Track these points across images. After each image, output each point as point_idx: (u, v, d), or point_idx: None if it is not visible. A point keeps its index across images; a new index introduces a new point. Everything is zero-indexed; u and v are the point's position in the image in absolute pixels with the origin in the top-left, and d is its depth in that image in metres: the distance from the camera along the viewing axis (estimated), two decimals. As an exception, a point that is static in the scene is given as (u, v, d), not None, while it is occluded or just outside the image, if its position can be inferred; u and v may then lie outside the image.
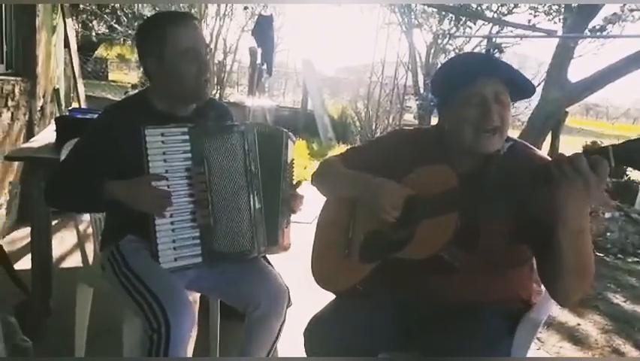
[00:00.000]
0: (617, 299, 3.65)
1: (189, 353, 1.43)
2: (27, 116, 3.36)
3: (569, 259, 1.13)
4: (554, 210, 1.09)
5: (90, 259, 1.82)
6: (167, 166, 1.41)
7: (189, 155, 1.43)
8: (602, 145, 1.07)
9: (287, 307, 1.55)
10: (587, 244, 1.13)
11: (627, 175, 7.53)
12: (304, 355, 1.40)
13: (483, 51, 9.12)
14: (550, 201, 1.08)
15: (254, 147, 1.50)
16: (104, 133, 1.50)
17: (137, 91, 1.71)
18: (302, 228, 2.02)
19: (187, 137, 1.43)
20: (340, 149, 8.01)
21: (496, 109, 1.19)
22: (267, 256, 1.82)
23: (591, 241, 1.17)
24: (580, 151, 1.05)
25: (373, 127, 9.85)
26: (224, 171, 1.47)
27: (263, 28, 6.84)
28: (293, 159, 1.62)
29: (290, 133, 1.61)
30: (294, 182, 1.61)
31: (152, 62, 1.50)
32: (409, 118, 11.75)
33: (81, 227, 1.87)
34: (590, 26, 7.56)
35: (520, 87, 1.24)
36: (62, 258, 2.85)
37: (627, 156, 0.99)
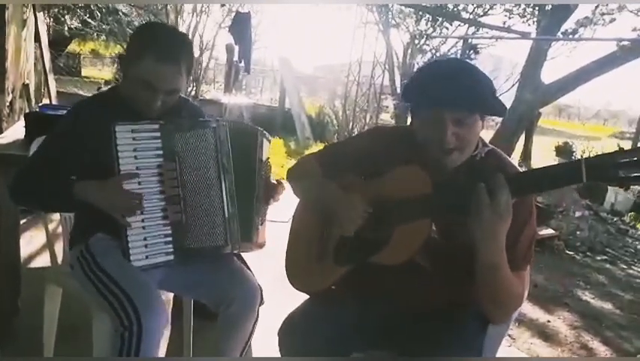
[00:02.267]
0: (586, 296, 3.74)
1: (162, 354, 1.41)
2: (-5, 112, 3.27)
3: (481, 288, 1.16)
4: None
5: (59, 259, 1.78)
6: (138, 163, 1.39)
7: (160, 151, 1.42)
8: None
9: (259, 306, 1.54)
10: (500, 281, 1.13)
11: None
12: (279, 355, 1.39)
13: (459, 52, 9.23)
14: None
15: (226, 143, 1.49)
16: (74, 129, 1.47)
17: (107, 87, 1.68)
18: (278, 226, 2.02)
19: (158, 133, 1.42)
20: (317, 147, 8.01)
21: (454, 131, 1.17)
22: (243, 255, 1.82)
23: (516, 280, 1.17)
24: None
25: (350, 126, 9.88)
26: (195, 167, 1.46)
27: (240, 26, 6.80)
28: (268, 158, 1.62)
29: (265, 132, 1.61)
30: (271, 176, 1.62)
31: (124, 64, 1.50)
32: (386, 117, 11.83)
33: (50, 226, 1.82)
34: (562, 29, 7.73)
35: (489, 108, 1.21)
36: (31, 257, 2.78)
37: (600, 171, 0.97)
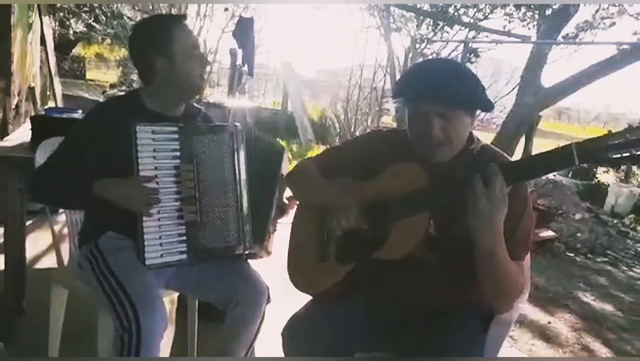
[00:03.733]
0: (587, 298, 3.75)
1: (166, 354, 1.43)
2: (1, 115, 3.30)
3: (480, 277, 1.18)
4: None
5: (65, 260, 1.80)
6: (157, 163, 1.44)
7: (178, 153, 1.46)
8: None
9: (266, 304, 1.57)
10: (499, 269, 1.14)
11: (597, 178, 7.74)
12: (283, 355, 1.40)
13: (460, 55, 9.24)
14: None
15: (243, 148, 1.53)
16: (95, 129, 1.50)
17: (118, 91, 1.74)
18: (283, 228, 2.03)
19: (177, 135, 1.47)
20: (320, 150, 8.03)
21: (440, 124, 1.21)
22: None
23: (517, 267, 1.18)
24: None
25: (352, 129, 9.89)
26: (212, 169, 1.50)
27: (244, 30, 6.81)
28: None
29: (287, 151, 1.68)
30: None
31: (162, 61, 1.51)
32: (388, 120, 11.84)
33: (56, 228, 1.85)
34: (563, 33, 7.74)
35: (473, 103, 1.25)
36: (37, 259, 2.80)
37: (590, 153, 1.00)
